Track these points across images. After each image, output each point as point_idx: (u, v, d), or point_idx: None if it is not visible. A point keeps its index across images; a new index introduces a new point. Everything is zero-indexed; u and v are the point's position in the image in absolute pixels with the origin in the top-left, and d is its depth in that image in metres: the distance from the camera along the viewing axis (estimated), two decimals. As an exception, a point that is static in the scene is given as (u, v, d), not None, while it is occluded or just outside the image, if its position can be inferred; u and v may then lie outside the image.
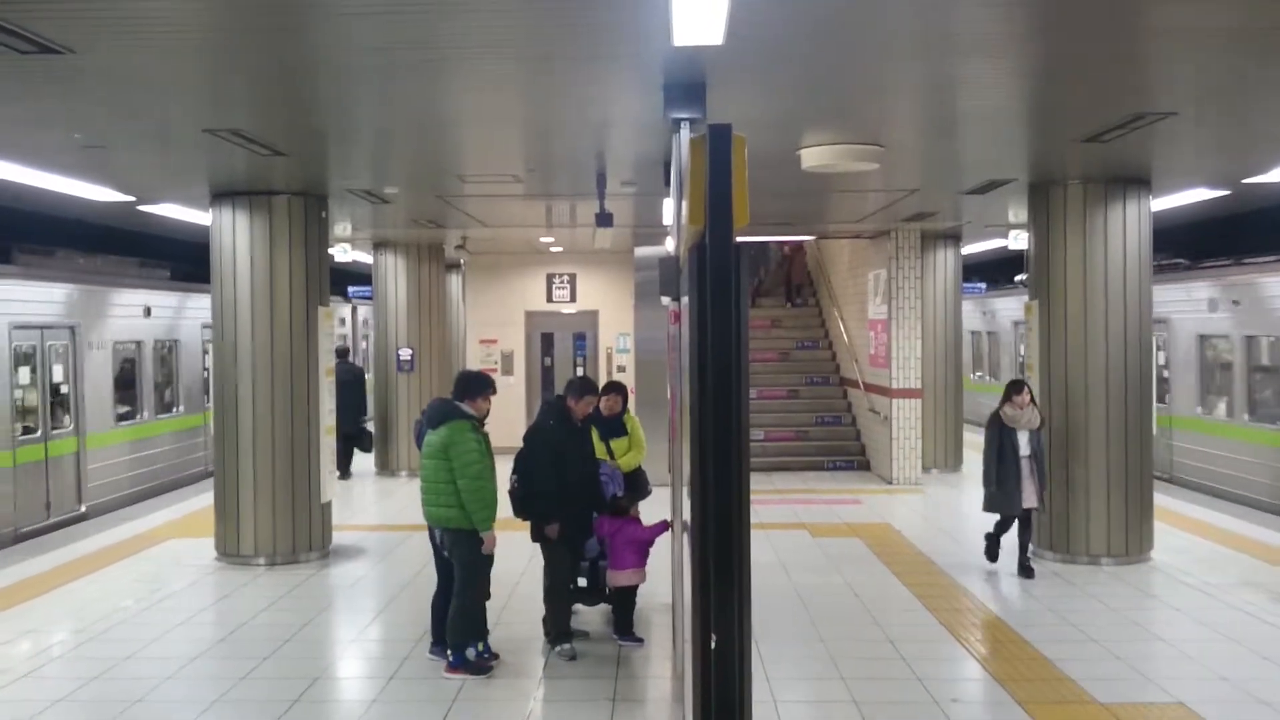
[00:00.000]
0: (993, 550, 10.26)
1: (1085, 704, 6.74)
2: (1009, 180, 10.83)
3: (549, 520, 7.62)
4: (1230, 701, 6.73)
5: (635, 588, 8.03)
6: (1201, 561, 10.36)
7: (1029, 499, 9.89)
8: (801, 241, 20.88)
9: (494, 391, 7.62)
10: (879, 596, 9.35)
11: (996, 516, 10.17)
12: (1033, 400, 10.01)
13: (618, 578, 7.92)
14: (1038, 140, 8.99)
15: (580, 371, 19.69)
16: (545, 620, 7.99)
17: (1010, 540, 10.22)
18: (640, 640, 7.97)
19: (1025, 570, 9.97)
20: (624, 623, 8.03)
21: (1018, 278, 21.62)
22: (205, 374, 16.55)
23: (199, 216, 12.29)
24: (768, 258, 21.99)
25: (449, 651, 7.40)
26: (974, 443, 19.20)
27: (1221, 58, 6.30)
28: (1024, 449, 9.85)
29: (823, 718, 6.68)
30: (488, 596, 7.53)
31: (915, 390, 15.66)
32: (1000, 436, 9.91)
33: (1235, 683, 7.05)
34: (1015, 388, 10.03)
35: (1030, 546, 10.20)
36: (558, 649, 7.72)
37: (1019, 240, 15.52)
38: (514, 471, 7.78)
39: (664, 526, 7.73)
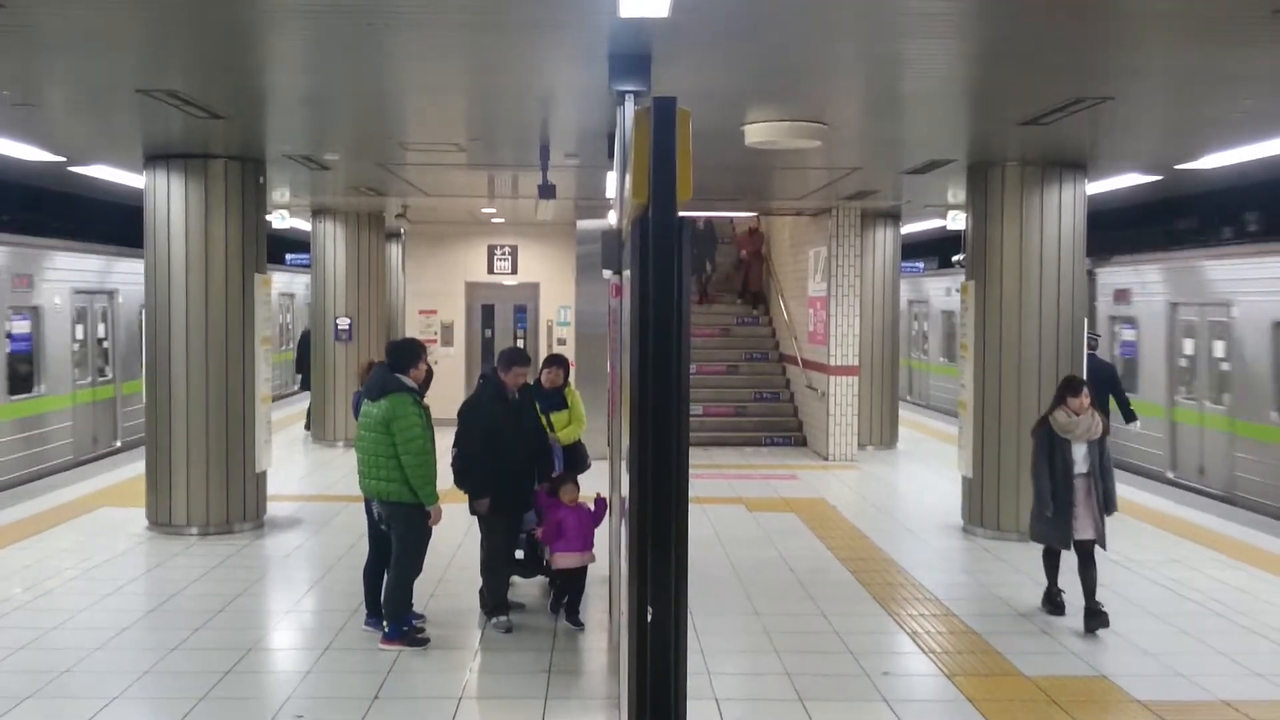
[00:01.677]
0: (1053, 597, 8.21)
1: (1012, 677, 6.89)
2: (949, 161, 10.95)
3: (480, 495, 7.61)
4: (1151, 675, 6.92)
5: (582, 570, 7.86)
6: (1127, 539, 10.60)
7: (1084, 529, 7.90)
8: (760, 243, 19.74)
9: (426, 354, 7.58)
10: (813, 571, 9.46)
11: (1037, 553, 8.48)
12: (1093, 403, 8.03)
13: (561, 560, 7.76)
14: (978, 121, 9.09)
15: (521, 344, 19.61)
16: (482, 592, 7.98)
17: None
18: (581, 625, 7.81)
19: (1096, 617, 7.71)
20: (559, 603, 7.93)
21: (955, 258, 21.87)
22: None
23: (133, 179, 12.04)
24: (713, 252, 20.34)
25: (385, 623, 7.37)
26: (908, 420, 19.45)
27: (1160, 44, 6.40)
28: (1080, 465, 7.87)
29: (757, 690, 6.75)
30: (419, 571, 7.51)
31: (852, 368, 15.83)
32: (1050, 449, 7.90)
33: (1156, 656, 7.25)
34: (1071, 387, 8.00)
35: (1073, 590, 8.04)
36: (494, 621, 7.71)
37: (957, 221, 15.71)
38: (454, 445, 7.77)
39: (601, 505, 7.72)
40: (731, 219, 21.49)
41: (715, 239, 20.60)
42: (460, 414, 7.82)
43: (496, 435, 7.58)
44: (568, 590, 7.87)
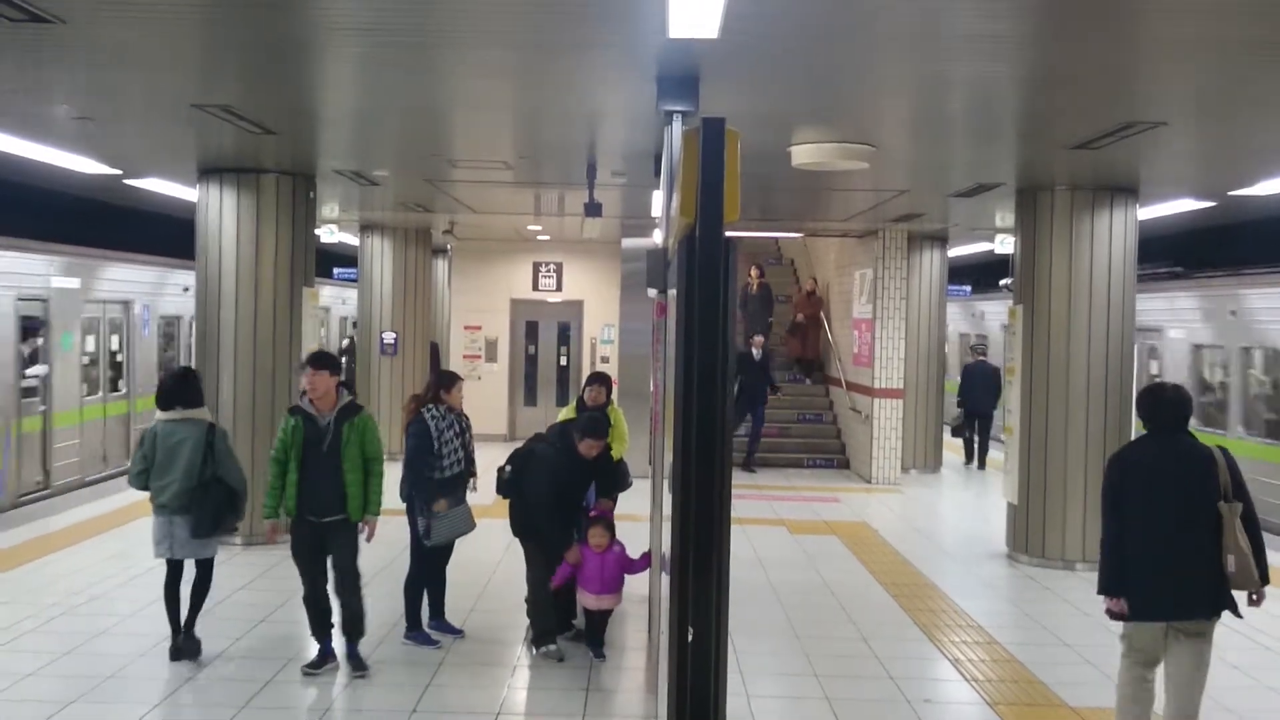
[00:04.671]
0: None
1: (1055, 707, 6.79)
2: (997, 184, 10.87)
3: (559, 549, 7.46)
4: (1201, 710, 6.77)
5: (602, 612, 7.64)
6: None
7: None
8: (819, 307, 18.45)
9: (325, 367, 7.03)
10: (854, 595, 9.38)
11: None
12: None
13: (586, 599, 7.58)
14: (1027, 145, 9.02)
15: (564, 361, 19.67)
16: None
17: None
18: (602, 657, 7.55)
19: None
20: (592, 638, 7.68)
21: (1003, 282, 21.64)
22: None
23: (186, 192, 12.23)
24: (767, 321, 18.33)
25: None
26: (951, 444, 19.28)
27: (1214, 69, 6.33)
28: None
29: (796, 713, 6.70)
30: (311, 592, 7.19)
31: (897, 390, 15.71)
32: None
33: (1205, 691, 7.09)
34: None
35: None
36: (542, 650, 7.50)
37: (1005, 244, 15.57)
38: (508, 462, 7.65)
39: (645, 559, 7.50)
40: (787, 261, 21.19)
41: (771, 305, 18.71)
42: (530, 455, 7.62)
43: (559, 490, 7.43)
44: (589, 623, 7.66)
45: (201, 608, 7.36)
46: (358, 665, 7.10)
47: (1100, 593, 5.68)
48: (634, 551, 7.62)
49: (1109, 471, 5.79)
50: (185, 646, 7.23)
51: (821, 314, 18.60)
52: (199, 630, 7.39)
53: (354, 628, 7.16)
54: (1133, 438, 11.12)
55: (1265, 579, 5.53)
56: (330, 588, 7.18)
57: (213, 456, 7.21)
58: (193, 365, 11.16)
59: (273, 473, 7.11)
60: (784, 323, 19.24)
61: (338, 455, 6.94)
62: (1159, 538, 5.48)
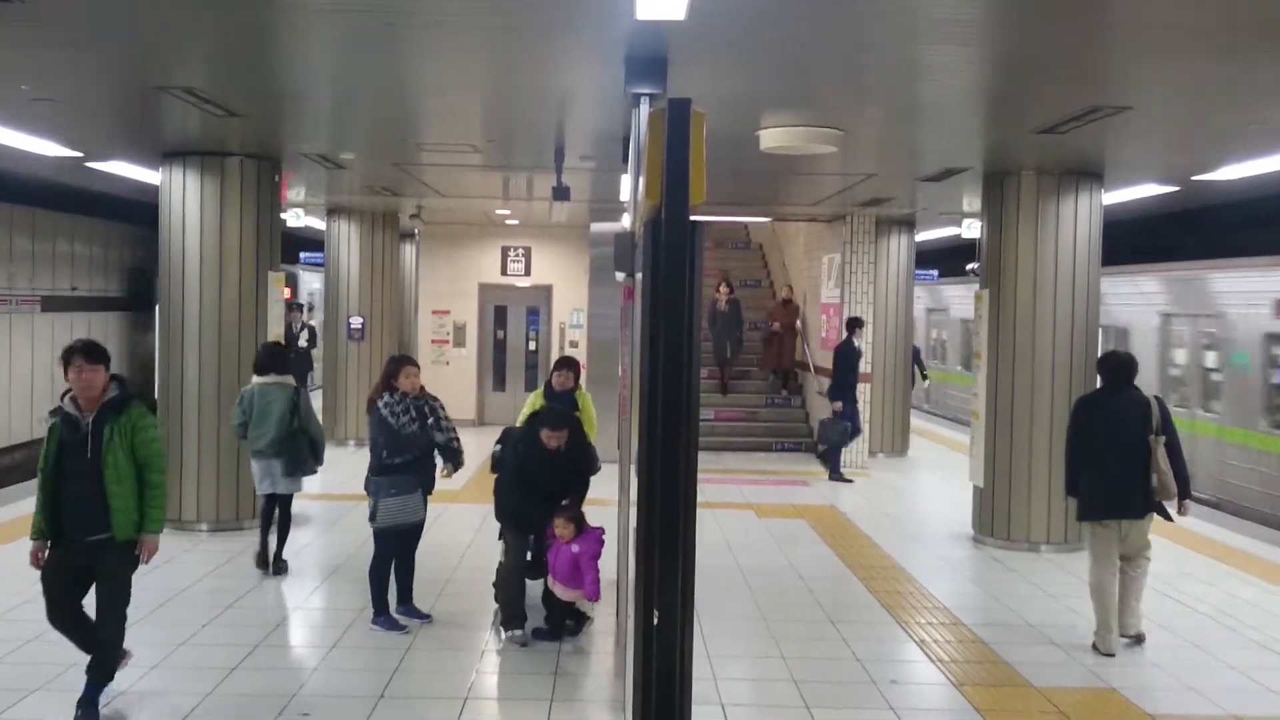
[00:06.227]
0: None
1: (1020, 687, 6.85)
2: (964, 169, 10.91)
3: (507, 519, 7.73)
4: (1162, 688, 6.87)
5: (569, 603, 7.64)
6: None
7: None
8: (795, 316, 18.02)
9: (102, 360, 5.86)
10: (821, 577, 9.43)
11: None
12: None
13: (552, 585, 7.57)
14: (994, 130, 9.06)
15: (532, 345, 19.63)
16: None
17: None
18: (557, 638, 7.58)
19: None
20: (552, 628, 7.63)
21: (969, 266, 21.77)
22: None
23: (149, 175, 12.09)
24: (739, 335, 18.15)
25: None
26: (917, 428, 19.38)
27: (1180, 54, 6.37)
28: None
29: (763, 695, 6.73)
30: (59, 619, 6.13)
31: (864, 375, 15.76)
32: None
33: (1166, 669, 7.21)
34: None
35: None
36: (509, 634, 7.50)
37: (972, 229, 15.65)
38: (499, 441, 7.97)
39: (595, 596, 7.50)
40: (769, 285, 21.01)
41: (742, 321, 18.21)
42: (510, 441, 7.92)
43: (526, 478, 7.60)
44: (549, 607, 7.66)
45: (287, 539, 9.25)
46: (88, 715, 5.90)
47: (1067, 494, 7.88)
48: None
49: (1076, 410, 7.85)
50: (278, 567, 9.07)
51: (798, 322, 18.10)
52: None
53: (101, 666, 5.99)
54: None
55: (1186, 494, 7.48)
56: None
57: (298, 413, 8.86)
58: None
59: (39, 486, 5.92)
60: (753, 306, 19.19)
61: (100, 462, 5.79)
62: (1107, 460, 7.44)
